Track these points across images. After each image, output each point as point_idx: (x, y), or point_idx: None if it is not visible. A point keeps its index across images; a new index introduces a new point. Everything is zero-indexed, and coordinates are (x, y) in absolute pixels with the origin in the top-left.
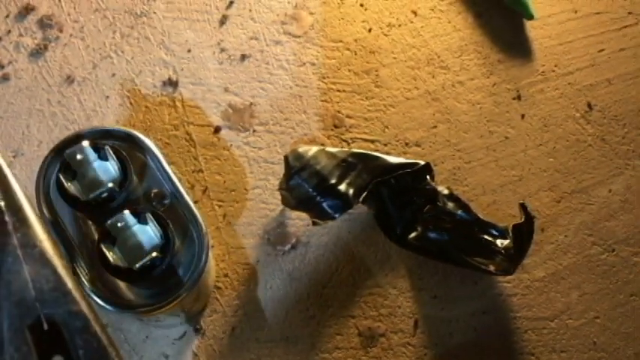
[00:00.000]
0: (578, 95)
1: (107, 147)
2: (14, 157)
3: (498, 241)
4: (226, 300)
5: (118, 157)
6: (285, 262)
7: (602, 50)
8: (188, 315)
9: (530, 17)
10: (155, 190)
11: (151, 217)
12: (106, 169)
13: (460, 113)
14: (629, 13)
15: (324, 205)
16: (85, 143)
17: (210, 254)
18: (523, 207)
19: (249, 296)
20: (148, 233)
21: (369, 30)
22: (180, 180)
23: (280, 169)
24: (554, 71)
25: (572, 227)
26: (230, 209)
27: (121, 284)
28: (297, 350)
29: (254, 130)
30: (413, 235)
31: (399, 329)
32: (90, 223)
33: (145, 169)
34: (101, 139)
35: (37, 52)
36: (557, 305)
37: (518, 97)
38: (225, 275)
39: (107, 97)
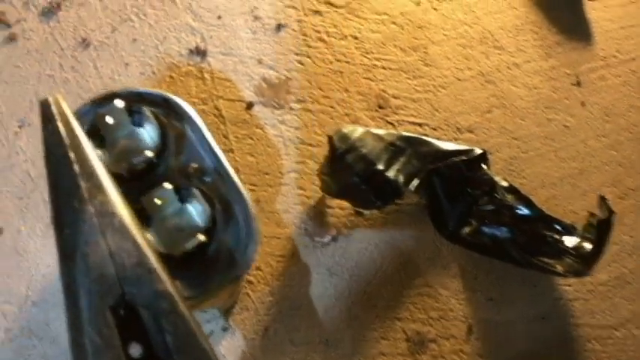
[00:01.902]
0: None
1: (144, 110)
2: (20, 127)
3: (566, 239)
4: (259, 296)
5: (156, 123)
6: (325, 255)
7: None
8: (219, 311)
9: None
10: (194, 165)
11: (198, 194)
12: (141, 136)
13: (516, 98)
14: None
15: (370, 192)
16: (119, 103)
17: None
18: (602, 200)
19: (283, 293)
20: (191, 214)
21: (418, 3)
22: (224, 154)
23: (319, 152)
24: (615, 57)
25: (638, 227)
26: (263, 194)
27: None
28: (337, 355)
29: (290, 108)
30: (467, 229)
31: (451, 335)
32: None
33: (182, 140)
34: (133, 102)
35: (49, 12)
36: (622, 312)
37: (578, 83)
38: (258, 268)
39: (127, 64)
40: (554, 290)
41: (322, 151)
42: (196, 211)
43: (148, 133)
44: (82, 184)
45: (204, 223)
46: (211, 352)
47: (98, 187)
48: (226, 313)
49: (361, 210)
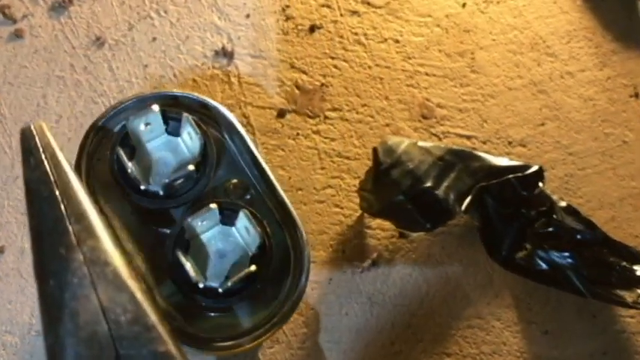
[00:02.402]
0: None
1: (184, 116)
2: None
3: (635, 267)
4: (291, 328)
5: (198, 132)
6: (364, 282)
7: None
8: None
9: None
10: (234, 181)
11: (248, 215)
12: (180, 147)
13: (571, 110)
14: None
15: (418, 213)
16: (155, 108)
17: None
18: None
19: (319, 324)
20: (239, 239)
21: (463, 5)
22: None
23: (357, 166)
24: None
25: None
26: (296, 212)
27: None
28: None
29: (325, 117)
30: (522, 254)
31: None
32: (149, 221)
33: (222, 152)
34: (168, 107)
35: (60, 6)
36: None
37: (636, 95)
38: None
39: (145, 65)
40: (616, 323)
41: (361, 165)
42: (242, 236)
43: (187, 143)
44: (71, 227)
45: (255, 250)
46: None
47: (89, 231)
48: (256, 346)
49: (406, 232)
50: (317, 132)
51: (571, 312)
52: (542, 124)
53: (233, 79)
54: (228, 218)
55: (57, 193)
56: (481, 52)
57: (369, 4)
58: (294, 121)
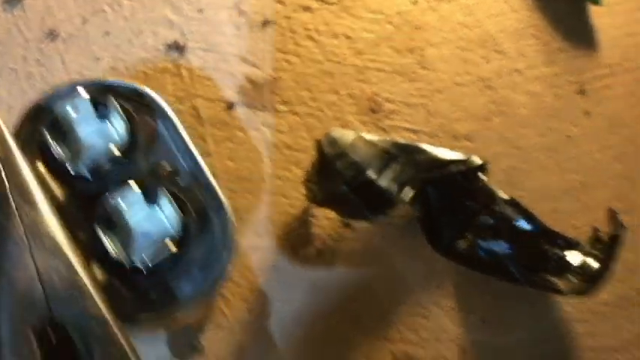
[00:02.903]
0: None
1: (111, 102)
2: None
3: (570, 256)
4: (234, 314)
5: (125, 118)
6: (308, 270)
7: None
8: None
9: (596, 2)
10: (166, 167)
11: (168, 196)
12: (107, 132)
13: (517, 105)
14: None
15: (360, 203)
16: (83, 94)
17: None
18: (612, 214)
19: (263, 310)
20: (161, 219)
21: (415, 2)
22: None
23: (305, 158)
24: (621, 65)
25: None
26: (243, 202)
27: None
28: None
29: (275, 110)
30: (463, 244)
31: (443, 357)
32: (78, 201)
33: (154, 139)
34: (100, 94)
35: (14, 0)
36: (625, 335)
37: (582, 92)
38: (234, 282)
39: (98, 58)
40: (553, 311)
41: (309, 158)
42: (167, 216)
43: (115, 128)
44: (12, 198)
45: (176, 231)
46: None
47: (30, 202)
48: (197, 331)
49: (349, 221)
50: (266, 125)
51: (510, 301)
52: (488, 119)
53: (184, 72)
54: (151, 198)
55: None
56: (431, 48)
57: (322, 0)
58: (244, 113)
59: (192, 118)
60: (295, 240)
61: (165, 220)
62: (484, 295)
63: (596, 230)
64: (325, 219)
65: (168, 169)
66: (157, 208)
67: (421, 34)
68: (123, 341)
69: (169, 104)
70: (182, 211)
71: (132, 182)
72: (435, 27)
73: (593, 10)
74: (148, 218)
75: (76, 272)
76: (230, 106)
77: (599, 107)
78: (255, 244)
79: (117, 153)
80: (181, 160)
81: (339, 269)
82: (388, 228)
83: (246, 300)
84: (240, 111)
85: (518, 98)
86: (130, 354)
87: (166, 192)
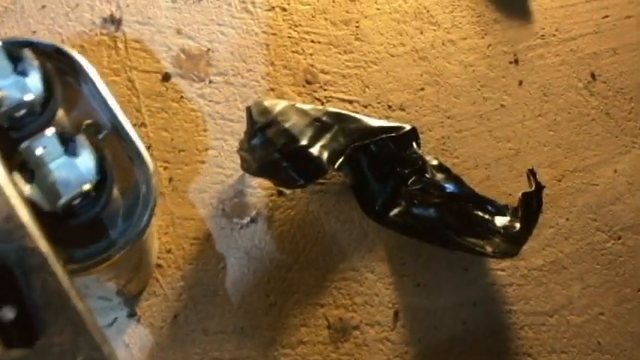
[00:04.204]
0: (580, 64)
1: (26, 56)
2: None
3: (497, 219)
4: (169, 281)
5: (40, 70)
6: (243, 238)
7: (607, 17)
8: (121, 296)
9: None
10: (88, 121)
11: (85, 143)
12: (23, 84)
13: (451, 75)
14: None
15: (292, 170)
16: None
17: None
18: (532, 174)
19: (197, 277)
20: (77, 165)
21: None
22: (123, 110)
23: (241, 128)
24: (554, 36)
25: (575, 210)
26: (178, 172)
27: None
28: (253, 344)
29: (210, 81)
30: (395, 211)
31: (376, 321)
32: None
33: (76, 95)
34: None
35: None
36: (557, 298)
37: (516, 62)
38: (169, 251)
39: (34, 32)
40: (486, 276)
41: (244, 127)
42: (84, 162)
43: (32, 81)
44: None
45: (93, 176)
46: (86, 313)
47: None
48: (133, 298)
49: (283, 189)
50: (201, 95)
51: (442, 265)
52: (422, 89)
53: (120, 45)
54: (71, 149)
55: None
56: (366, 20)
57: None
58: (179, 84)
59: (127, 90)
60: (230, 209)
61: (83, 168)
62: (417, 260)
63: (524, 195)
64: (261, 188)
65: (90, 123)
66: (77, 158)
67: (356, 6)
68: (59, 272)
69: (105, 79)
70: (103, 162)
71: (48, 130)
72: None
73: None
74: (67, 166)
75: (13, 207)
76: (165, 77)
77: (533, 76)
78: (190, 214)
79: (31, 100)
80: (103, 116)
81: (273, 237)
82: (323, 196)
83: (180, 268)
84: (176, 82)
85: (452, 68)
86: (66, 284)
87: (87, 143)
